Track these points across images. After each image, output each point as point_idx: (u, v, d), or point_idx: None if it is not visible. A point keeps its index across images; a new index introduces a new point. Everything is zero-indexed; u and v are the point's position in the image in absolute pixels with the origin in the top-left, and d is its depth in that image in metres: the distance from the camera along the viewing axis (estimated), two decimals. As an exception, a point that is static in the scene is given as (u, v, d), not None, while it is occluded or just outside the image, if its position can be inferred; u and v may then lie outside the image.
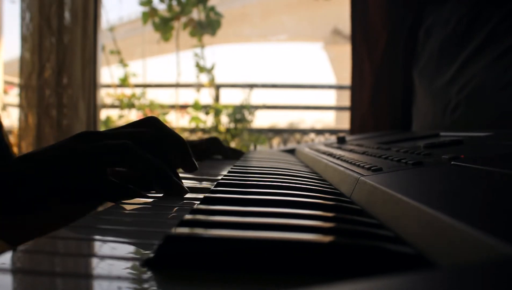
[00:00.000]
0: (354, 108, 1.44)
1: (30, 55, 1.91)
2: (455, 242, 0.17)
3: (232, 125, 2.41)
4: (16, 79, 2.05)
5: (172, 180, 0.38)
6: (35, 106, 1.90)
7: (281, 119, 3.44)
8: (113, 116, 2.52)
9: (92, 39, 1.90)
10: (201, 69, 2.51)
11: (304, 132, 2.64)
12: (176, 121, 2.56)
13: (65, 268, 0.20)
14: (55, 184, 0.35)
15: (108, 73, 2.46)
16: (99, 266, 0.19)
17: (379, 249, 0.19)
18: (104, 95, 2.46)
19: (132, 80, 2.55)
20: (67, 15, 1.89)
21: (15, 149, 1.81)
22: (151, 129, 0.41)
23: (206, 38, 2.53)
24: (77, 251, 0.22)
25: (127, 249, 0.22)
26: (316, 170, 0.60)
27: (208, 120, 2.46)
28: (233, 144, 2.36)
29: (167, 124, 0.45)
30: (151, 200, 0.36)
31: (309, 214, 0.27)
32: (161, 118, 2.49)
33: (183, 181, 0.41)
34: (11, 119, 2.29)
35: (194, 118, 2.48)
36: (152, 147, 0.39)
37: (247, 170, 0.52)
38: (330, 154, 0.61)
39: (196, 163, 0.44)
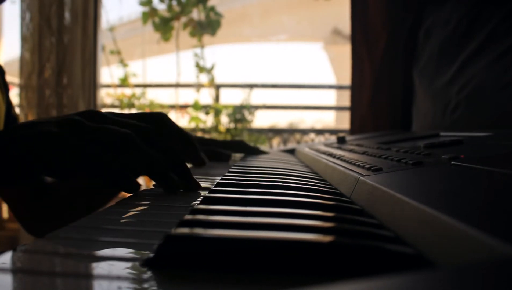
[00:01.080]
0: (354, 108, 1.44)
1: (30, 55, 1.91)
2: (455, 242, 0.17)
3: (232, 125, 2.41)
4: (16, 79, 2.05)
5: (167, 176, 0.37)
6: (35, 106, 1.90)
7: (281, 119, 3.44)
8: (113, 116, 2.51)
9: (92, 39, 1.90)
10: (201, 69, 2.51)
11: (304, 132, 2.64)
12: (176, 121, 2.55)
13: (65, 268, 0.20)
14: (49, 159, 0.35)
15: (108, 73, 2.46)
16: (99, 266, 0.19)
17: (379, 249, 0.19)
18: (104, 95, 2.46)
19: (132, 80, 2.55)
20: (67, 15, 1.89)
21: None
22: (156, 124, 0.41)
23: (206, 38, 2.53)
24: (77, 251, 0.22)
25: (127, 249, 0.22)
26: (316, 170, 0.60)
27: (208, 120, 2.46)
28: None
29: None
30: (151, 200, 0.36)
31: (309, 214, 0.27)
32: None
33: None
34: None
35: (194, 118, 2.48)
36: (155, 142, 0.39)
37: (247, 170, 0.52)
38: (330, 154, 0.61)
39: (204, 158, 0.44)
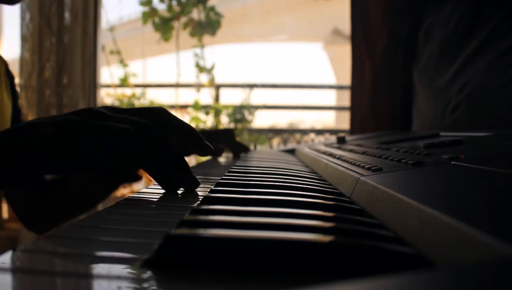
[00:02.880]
0: (354, 108, 1.44)
1: (30, 55, 1.91)
2: (455, 242, 0.17)
3: (232, 125, 2.41)
4: (16, 79, 2.05)
5: (167, 174, 0.37)
6: (35, 106, 1.90)
7: (281, 119, 3.44)
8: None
9: (92, 39, 1.90)
10: (201, 69, 2.51)
11: (304, 132, 2.64)
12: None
13: (65, 268, 0.20)
14: (48, 161, 0.34)
15: (108, 73, 2.46)
16: (99, 266, 0.19)
17: (379, 249, 0.19)
18: (104, 95, 2.46)
19: (132, 80, 2.55)
20: (67, 15, 1.89)
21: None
22: (156, 119, 0.40)
23: (206, 38, 2.53)
24: (77, 251, 0.22)
25: (127, 249, 0.22)
26: (316, 170, 0.60)
27: (208, 120, 2.46)
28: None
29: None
30: (151, 200, 0.36)
31: (309, 214, 0.27)
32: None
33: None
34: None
35: (194, 118, 2.48)
36: (154, 138, 0.39)
37: (247, 170, 0.52)
38: (330, 154, 0.61)
39: (210, 145, 0.43)
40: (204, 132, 0.86)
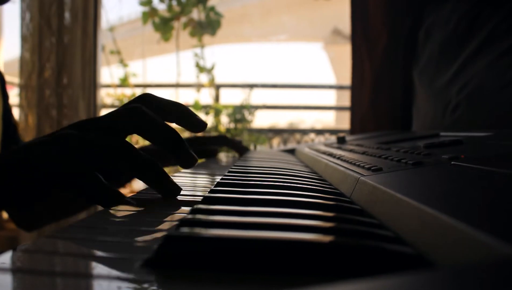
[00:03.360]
0: (354, 108, 1.44)
1: (30, 55, 1.91)
2: (455, 242, 0.17)
3: (232, 125, 2.41)
4: (16, 79, 2.05)
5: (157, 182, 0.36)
6: (35, 106, 1.90)
7: (281, 119, 3.44)
8: (113, 116, 2.51)
9: (92, 39, 1.90)
10: (201, 69, 2.51)
11: (304, 132, 2.64)
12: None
13: (65, 268, 0.20)
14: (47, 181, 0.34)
15: (108, 73, 2.46)
16: (99, 266, 0.19)
17: (379, 249, 0.19)
18: (104, 95, 2.45)
19: (132, 80, 2.55)
20: (67, 15, 1.89)
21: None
22: (135, 124, 0.38)
23: (206, 38, 2.53)
24: (77, 251, 0.22)
25: (127, 249, 0.22)
26: (316, 170, 0.60)
27: (208, 120, 2.46)
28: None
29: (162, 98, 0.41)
30: (151, 200, 0.36)
31: (309, 214, 0.27)
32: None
33: (183, 180, 0.41)
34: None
35: (194, 118, 2.47)
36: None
37: (247, 170, 0.52)
38: (330, 154, 0.61)
39: (194, 155, 0.40)
40: (197, 137, 0.85)
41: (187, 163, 0.40)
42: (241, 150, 0.90)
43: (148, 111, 0.38)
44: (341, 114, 2.88)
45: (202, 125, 0.41)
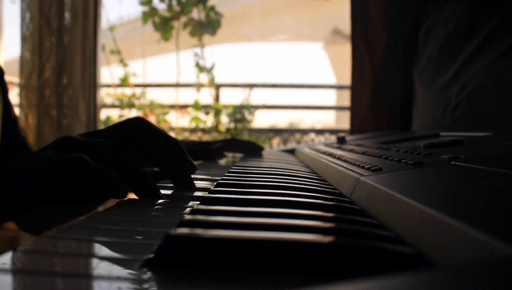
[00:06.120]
0: (354, 108, 1.44)
1: (30, 55, 1.91)
2: (455, 242, 0.17)
3: (232, 125, 2.41)
4: (16, 79, 2.05)
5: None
6: (35, 106, 1.90)
7: (281, 119, 3.44)
8: (113, 116, 2.52)
9: (92, 39, 1.90)
10: (201, 69, 2.51)
11: (304, 132, 2.64)
12: (176, 121, 2.56)
13: (65, 268, 0.20)
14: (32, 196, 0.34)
15: (108, 73, 2.46)
16: (99, 266, 0.19)
17: (379, 249, 0.19)
18: (104, 95, 2.45)
19: (132, 80, 2.55)
20: (67, 15, 1.88)
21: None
22: (136, 134, 0.39)
23: (206, 38, 2.53)
24: (77, 251, 0.22)
25: (127, 249, 0.22)
26: (316, 170, 0.60)
27: (208, 120, 2.46)
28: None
29: (156, 125, 0.41)
30: (151, 200, 0.36)
31: (309, 214, 0.27)
32: (161, 118, 2.49)
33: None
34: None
35: (194, 118, 2.48)
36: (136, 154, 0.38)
37: (246, 170, 0.52)
38: (330, 154, 0.61)
39: (194, 162, 0.40)
40: (205, 145, 0.82)
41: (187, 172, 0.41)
42: (253, 150, 0.86)
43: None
44: (341, 114, 2.88)
45: (190, 169, 0.40)
